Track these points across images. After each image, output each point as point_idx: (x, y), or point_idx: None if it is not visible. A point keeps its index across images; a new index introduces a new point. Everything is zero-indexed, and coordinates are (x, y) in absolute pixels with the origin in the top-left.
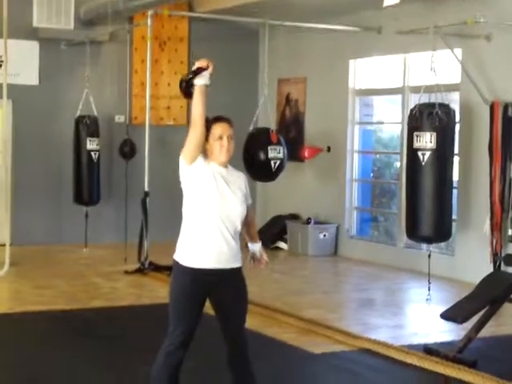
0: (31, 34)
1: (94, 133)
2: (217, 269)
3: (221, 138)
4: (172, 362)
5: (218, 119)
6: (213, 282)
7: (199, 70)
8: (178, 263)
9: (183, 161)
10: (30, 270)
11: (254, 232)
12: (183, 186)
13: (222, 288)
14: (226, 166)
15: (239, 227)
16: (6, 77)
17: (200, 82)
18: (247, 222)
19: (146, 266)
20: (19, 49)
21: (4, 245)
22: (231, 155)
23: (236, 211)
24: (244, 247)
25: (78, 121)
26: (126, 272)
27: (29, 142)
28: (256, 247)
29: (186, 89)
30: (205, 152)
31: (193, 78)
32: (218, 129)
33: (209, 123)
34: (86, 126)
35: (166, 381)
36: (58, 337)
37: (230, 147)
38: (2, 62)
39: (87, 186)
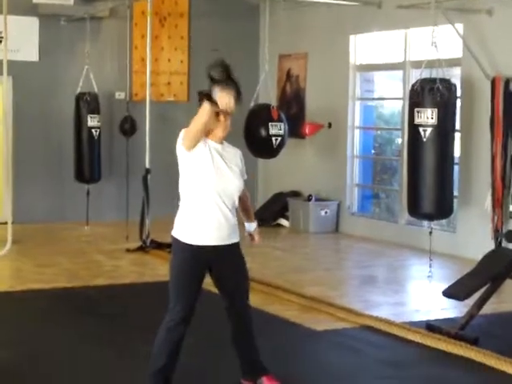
0: (31, 10)
1: (95, 110)
2: (216, 245)
3: (218, 114)
4: (173, 338)
5: (221, 88)
6: (212, 257)
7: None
8: (176, 240)
9: (182, 148)
10: (32, 248)
11: (249, 210)
12: (180, 164)
13: (222, 263)
14: (221, 142)
15: (237, 201)
16: (6, 53)
17: (212, 107)
18: (241, 198)
19: (148, 243)
20: (19, 25)
21: (6, 223)
22: (228, 131)
23: (233, 185)
24: (241, 224)
25: (79, 98)
26: (128, 250)
27: (29, 119)
28: (252, 227)
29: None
30: None
31: (209, 99)
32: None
33: (207, 97)
34: (87, 102)
35: (167, 356)
36: (60, 315)
37: (227, 123)
38: (1, 38)
39: (88, 163)
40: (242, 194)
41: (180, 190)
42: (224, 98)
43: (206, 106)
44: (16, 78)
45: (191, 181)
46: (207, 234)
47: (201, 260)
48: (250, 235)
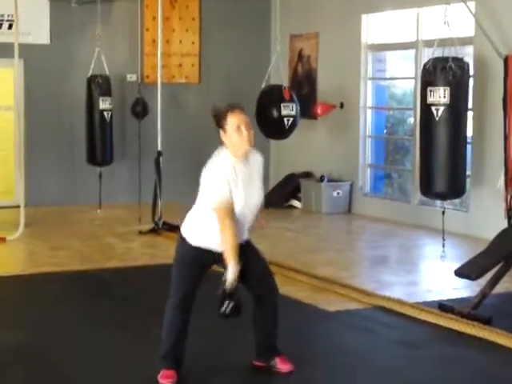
0: None
1: (107, 92)
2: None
3: (239, 127)
4: (176, 321)
5: (231, 109)
6: (221, 255)
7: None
8: (185, 240)
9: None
10: (45, 231)
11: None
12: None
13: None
14: (246, 156)
15: (256, 214)
16: (18, 36)
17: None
18: None
19: (160, 225)
20: (30, 8)
21: (18, 206)
22: (253, 144)
23: (256, 201)
24: None
25: (90, 80)
26: (140, 232)
27: (41, 101)
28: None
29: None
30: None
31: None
32: (234, 119)
33: (222, 114)
34: (99, 85)
35: (175, 338)
36: (73, 297)
37: (250, 136)
38: (12, 21)
39: (100, 146)
40: None
41: (199, 200)
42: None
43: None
44: (27, 61)
45: None
46: (221, 245)
47: (209, 255)
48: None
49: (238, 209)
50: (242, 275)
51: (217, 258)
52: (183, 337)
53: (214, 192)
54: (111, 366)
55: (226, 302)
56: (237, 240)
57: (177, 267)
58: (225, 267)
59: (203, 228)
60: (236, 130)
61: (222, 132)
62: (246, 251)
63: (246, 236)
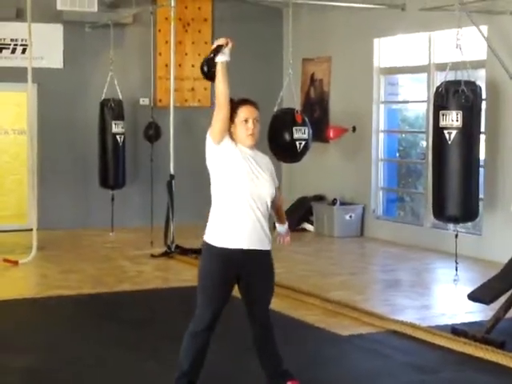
0: (55, 17)
1: (119, 116)
2: (247, 249)
3: (246, 121)
4: (198, 344)
5: (243, 102)
6: (242, 262)
7: (219, 48)
8: (208, 244)
9: (210, 140)
10: (57, 255)
11: (282, 213)
12: (211, 167)
13: (250, 270)
14: (252, 149)
15: (269, 207)
16: (31, 60)
17: (221, 58)
18: (277, 205)
19: (173, 249)
20: (43, 32)
21: (31, 229)
22: (257, 139)
23: (267, 191)
24: (271, 228)
25: (103, 104)
26: (153, 255)
27: (54, 125)
28: (283, 229)
29: (208, 69)
30: (230, 134)
31: (214, 56)
32: (244, 111)
33: (234, 105)
34: (111, 109)
35: (192, 361)
36: (85, 321)
37: (255, 131)
38: (26, 45)
39: (113, 169)
40: (276, 198)
41: (212, 192)
42: (219, 40)
43: (218, 65)
44: (41, 85)
45: (225, 185)
46: (239, 236)
47: (231, 266)
48: (280, 236)
49: (246, 194)
50: (244, 286)
51: (242, 261)
52: (202, 360)
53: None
54: None
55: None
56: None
57: (203, 287)
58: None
59: (223, 221)
60: (243, 122)
61: (230, 123)
62: (259, 262)
63: (263, 244)
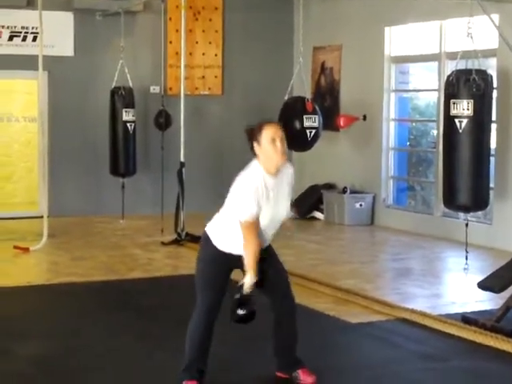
0: (66, 5)
1: (130, 104)
2: None
3: (274, 140)
4: (202, 332)
5: (267, 123)
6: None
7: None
8: (209, 239)
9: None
10: (68, 242)
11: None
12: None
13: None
14: (278, 171)
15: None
16: (42, 48)
17: (248, 285)
18: None
19: (183, 236)
20: (54, 20)
21: (42, 216)
22: (286, 157)
23: (282, 214)
24: None
25: (114, 92)
26: (163, 243)
27: (65, 113)
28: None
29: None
30: (256, 155)
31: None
32: (270, 132)
33: (258, 128)
34: (122, 97)
35: (198, 349)
36: (95, 308)
37: (284, 149)
38: (37, 33)
39: (123, 157)
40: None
41: (226, 207)
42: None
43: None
44: (51, 72)
45: None
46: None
47: (232, 260)
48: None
49: (263, 223)
50: (261, 284)
51: (240, 261)
52: (208, 347)
53: (242, 206)
54: (134, 376)
55: (239, 308)
56: (259, 252)
57: (202, 275)
58: (244, 273)
59: (228, 234)
60: (271, 142)
61: (255, 145)
62: (265, 253)
63: (268, 243)
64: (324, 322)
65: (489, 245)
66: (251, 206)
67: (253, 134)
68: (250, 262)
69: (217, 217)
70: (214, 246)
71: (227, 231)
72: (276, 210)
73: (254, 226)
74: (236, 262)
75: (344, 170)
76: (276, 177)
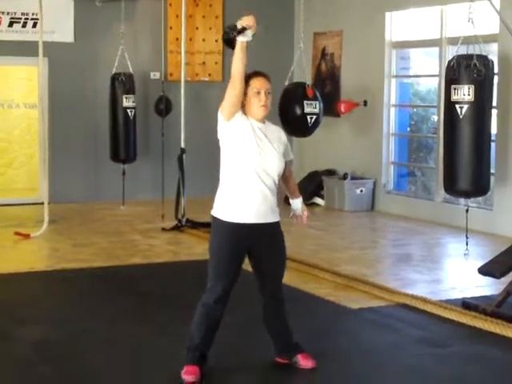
0: None
1: (130, 90)
2: (254, 223)
3: (258, 92)
4: (210, 317)
5: (256, 74)
6: (252, 236)
7: (243, 29)
8: (216, 218)
9: (221, 116)
10: (69, 228)
11: (293, 187)
12: (221, 141)
13: (261, 243)
14: (263, 122)
15: (277, 181)
16: (42, 34)
17: (243, 39)
18: (285, 177)
19: (183, 223)
20: (54, 6)
21: (42, 203)
22: (269, 110)
23: (274, 165)
24: (283, 202)
25: (114, 78)
26: (164, 229)
27: (65, 99)
28: (297, 203)
29: (229, 42)
30: (242, 106)
31: (237, 35)
32: (256, 83)
33: (246, 77)
34: (122, 83)
35: (204, 334)
36: (96, 293)
37: (267, 102)
38: (37, 19)
39: (124, 143)
40: (287, 172)
41: (221, 166)
42: (247, 19)
43: (238, 44)
44: (52, 59)
45: (232, 158)
46: (246, 210)
47: (240, 239)
48: (295, 214)
49: (254, 168)
50: (256, 260)
51: (251, 234)
52: (214, 333)
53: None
54: (135, 361)
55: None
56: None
57: (215, 258)
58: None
59: (231, 195)
60: (255, 94)
61: (243, 96)
62: (268, 234)
63: (270, 217)
64: (324, 308)
65: (489, 231)
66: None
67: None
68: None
69: (218, 191)
70: (222, 223)
71: (230, 193)
72: (266, 159)
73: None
74: (247, 236)
75: (344, 155)
76: (263, 125)
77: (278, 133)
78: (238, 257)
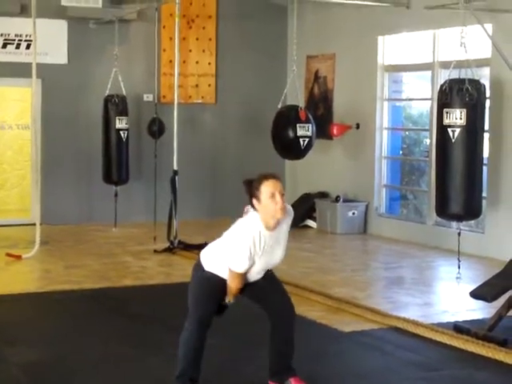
0: (60, 12)
1: (123, 112)
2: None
3: (273, 195)
4: (193, 342)
5: (265, 177)
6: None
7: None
8: (201, 265)
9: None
10: (60, 249)
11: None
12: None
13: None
14: (276, 226)
15: None
16: (36, 56)
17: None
18: None
19: (176, 244)
20: (48, 28)
21: (34, 224)
22: (286, 211)
23: (276, 260)
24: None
25: (107, 100)
26: (156, 251)
27: (58, 121)
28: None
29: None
30: (255, 209)
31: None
32: (269, 186)
33: (256, 183)
34: (115, 104)
35: (191, 359)
36: (88, 315)
37: (283, 204)
38: (31, 41)
39: (116, 165)
40: None
41: (223, 241)
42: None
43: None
44: (45, 80)
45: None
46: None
47: (221, 284)
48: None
49: (255, 270)
50: (252, 296)
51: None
52: (200, 357)
53: (235, 258)
54: (127, 382)
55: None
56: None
57: (194, 290)
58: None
59: (221, 262)
60: (270, 197)
61: (254, 200)
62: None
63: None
64: (316, 331)
65: (481, 254)
66: (244, 260)
67: (251, 188)
68: (231, 291)
69: (212, 246)
70: (206, 270)
71: (220, 260)
72: (270, 257)
73: (242, 276)
74: (226, 286)
75: (337, 178)
76: (274, 230)
77: (287, 223)
78: (218, 291)
